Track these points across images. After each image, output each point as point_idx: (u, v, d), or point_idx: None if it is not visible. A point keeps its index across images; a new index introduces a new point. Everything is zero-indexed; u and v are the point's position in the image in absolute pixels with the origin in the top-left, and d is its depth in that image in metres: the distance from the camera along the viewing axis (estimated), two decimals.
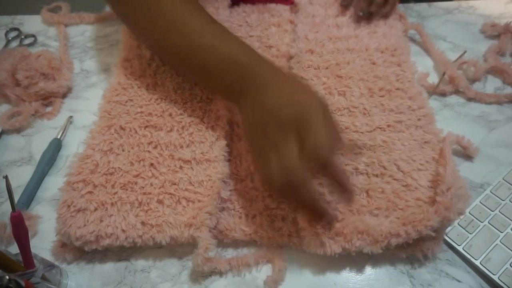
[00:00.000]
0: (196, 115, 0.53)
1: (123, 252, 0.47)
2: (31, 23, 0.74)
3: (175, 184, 0.48)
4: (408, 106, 0.54)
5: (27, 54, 0.62)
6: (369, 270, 0.45)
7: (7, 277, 0.34)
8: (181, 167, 0.49)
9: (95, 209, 0.46)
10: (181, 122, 0.52)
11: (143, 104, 0.55)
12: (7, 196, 0.41)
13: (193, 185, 0.48)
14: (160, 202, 0.47)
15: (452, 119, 0.57)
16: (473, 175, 0.51)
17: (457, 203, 0.43)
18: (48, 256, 0.47)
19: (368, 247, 0.43)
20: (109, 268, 0.47)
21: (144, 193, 0.47)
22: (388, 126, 0.52)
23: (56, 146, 0.56)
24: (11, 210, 0.39)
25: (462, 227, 0.47)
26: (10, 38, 0.72)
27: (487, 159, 0.53)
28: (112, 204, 0.47)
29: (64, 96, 0.63)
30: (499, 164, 0.52)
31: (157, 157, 0.50)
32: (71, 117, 0.60)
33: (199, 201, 0.46)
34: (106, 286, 0.45)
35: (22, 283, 0.35)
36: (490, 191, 0.49)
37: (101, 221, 0.46)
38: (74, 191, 0.48)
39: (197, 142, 0.51)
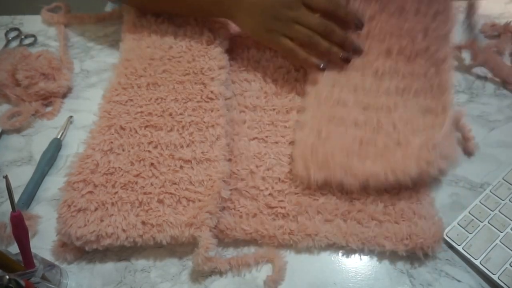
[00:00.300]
0: (196, 114, 0.53)
1: (123, 252, 0.47)
2: (31, 23, 0.74)
3: (175, 183, 0.48)
4: (424, 73, 0.53)
5: (27, 54, 0.62)
6: (369, 270, 0.46)
7: (7, 277, 0.34)
8: (181, 167, 0.49)
9: (96, 209, 0.47)
10: (181, 121, 0.53)
11: (143, 104, 0.55)
12: (7, 196, 0.41)
13: (194, 185, 0.48)
14: (160, 201, 0.47)
15: None
16: (473, 175, 0.51)
17: (440, 161, 0.46)
18: (48, 256, 0.47)
19: (348, 179, 0.46)
20: (109, 268, 0.47)
21: (145, 193, 0.47)
22: (396, 90, 0.53)
23: (56, 146, 0.56)
24: (11, 210, 0.39)
25: (462, 227, 0.47)
26: (10, 38, 0.72)
27: (487, 159, 0.53)
28: (112, 204, 0.47)
29: (64, 96, 0.63)
30: (499, 164, 0.52)
31: (157, 157, 0.50)
32: (71, 117, 0.60)
33: (199, 200, 0.46)
34: (106, 286, 0.45)
35: (22, 283, 0.35)
36: (490, 191, 0.49)
37: (102, 220, 0.46)
38: (74, 191, 0.48)
39: (197, 141, 0.51)
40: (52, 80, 0.62)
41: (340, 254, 0.47)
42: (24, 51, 0.63)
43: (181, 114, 0.53)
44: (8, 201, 0.39)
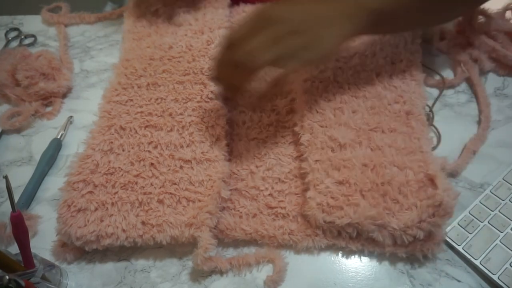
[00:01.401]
0: (196, 114, 0.53)
1: (123, 252, 0.47)
2: (31, 23, 0.74)
3: (175, 184, 0.48)
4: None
5: (27, 54, 0.62)
6: (369, 270, 0.46)
7: (7, 277, 0.34)
8: (181, 167, 0.49)
9: (96, 209, 0.47)
10: (181, 122, 0.53)
11: (143, 104, 0.55)
12: (7, 196, 0.41)
13: (194, 185, 0.48)
14: (160, 202, 0.47)
15: (452, 119, 0.57)
16: (473, 175, 0.51)
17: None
18: (48, 256, 0.47)
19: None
20: (109, 268, 0.47)
21: (145, 193, 0.47)
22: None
23: (56, 146, 0.56)
24: (11, 210, 0.39)
25: (462, 227, 0.47)
26: (10, 38, 0.72)
27: (487, 159, 0.53)
28: (112, 204, 0.47)
29: (64, 96, 0.63)
30: (499, 164, 0.52)
31: (157, 157, 0.50)
32: (71, 117, 0.60)
33: (199, 200, 0.46)
34: (106, 286, 0.45)
35: (22, 283, 0.35)
36: (490, 191, 0.49)
37: (102, 221, 0.46)
38: (74, 191, 0.48)
39: (197, 142, 0.51)
40: (52, 80, 0.62)
41: (340, 254, 0.47)
42: (24, 51, 0.63)
43: (181, 114, 0.53)
44: (8, 201, 0.39)
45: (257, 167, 0.51)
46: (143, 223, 0.45)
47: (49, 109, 0.62)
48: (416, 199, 0.45)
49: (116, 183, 0.48)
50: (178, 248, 0.47)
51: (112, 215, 0.46)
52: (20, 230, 0.39)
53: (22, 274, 0.39)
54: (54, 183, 0.53)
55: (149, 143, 0.51)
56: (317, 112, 0.52)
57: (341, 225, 0.44)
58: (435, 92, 0.59)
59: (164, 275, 0.46)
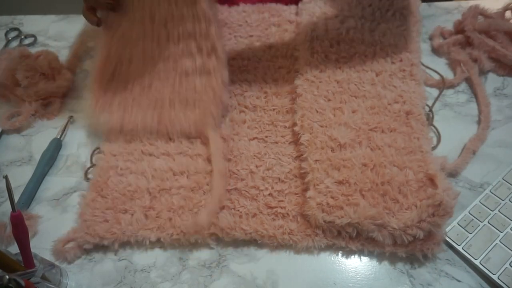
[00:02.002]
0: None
1: (123, 252, 0.48)
2: (31, 23, 0.74)
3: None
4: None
5: (27, 54, 0.62)
6: (369, 270, 0.46)
7: (7, 276, 0.34)
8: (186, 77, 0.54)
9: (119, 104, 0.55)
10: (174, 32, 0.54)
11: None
12: (7, 196, 0.41)
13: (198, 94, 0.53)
14: (172, 104, 0.54)
15: (452, 119, 0.57)
16: (473, 175, 0.51)
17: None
18: (48, 256, 0.47)
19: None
20: (109, 267, 0.47)
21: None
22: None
23: (56, 146, 0.56)
24: (11, 210, 0.39)
25: (461, 226, 0.47)
26: (10, 38, 0.72)
27: (487, 159, 0.53)
28: (133, 99, 0.55)
29: (64, 96, 0.63)
30: (499, 164, 0.52)
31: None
32: (71, 117, 0.60)
33: (204, 106, 0.53)
34: (106, 286, 0.45)
35: (22, 282, 0.35)
36: (490, 191, 0.49)
37: (125, 112, 0.54)
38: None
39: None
40: (52, 80, 0.62)
41: (339, 254, 0.47)
42: (24, 51, 0.62)
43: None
44: (8, 201, 0.39)
45: (257, 167, 0.51)
46: (158, 122, 0.53)
47: (49, 109, 0.62)
48: (416, 198, 0.45)
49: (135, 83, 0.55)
50: (178, 248, 0.48)
51: (133, 108, 0.54)
52: (20, 230, 0.39)
53: (22, 274, 0.39)
54: (54, 183, 0.53)
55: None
56: (317, 112, 0.52)
57: (341, 224, 0.44)
58: (435, 92, 0.59)
59: (164, 275, 0.46)
